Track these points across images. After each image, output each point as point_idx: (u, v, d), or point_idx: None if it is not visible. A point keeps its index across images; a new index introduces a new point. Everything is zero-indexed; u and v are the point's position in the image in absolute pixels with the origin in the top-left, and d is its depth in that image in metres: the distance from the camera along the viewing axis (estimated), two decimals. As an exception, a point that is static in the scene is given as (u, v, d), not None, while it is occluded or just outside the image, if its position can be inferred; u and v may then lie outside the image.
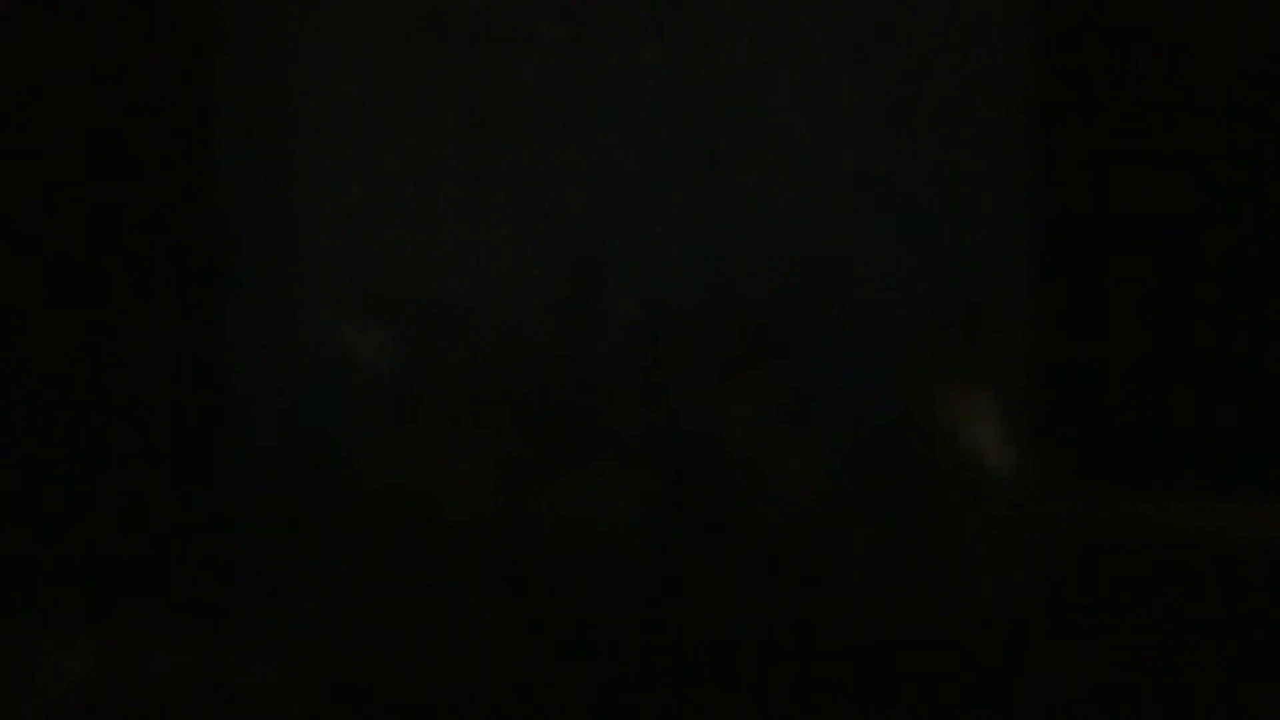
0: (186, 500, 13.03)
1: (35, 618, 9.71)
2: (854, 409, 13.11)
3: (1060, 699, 8.77)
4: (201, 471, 14.16)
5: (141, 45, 14.40)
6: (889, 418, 12.89)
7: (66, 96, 14.28)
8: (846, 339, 14.55)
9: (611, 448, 11.94)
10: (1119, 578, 10.57)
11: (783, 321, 14.17)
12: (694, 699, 8.72)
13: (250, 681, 8.92)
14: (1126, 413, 14.32)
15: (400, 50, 15.02)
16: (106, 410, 14.31)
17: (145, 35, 14.43)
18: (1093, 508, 12.26)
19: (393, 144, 15.10)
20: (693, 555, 11.25)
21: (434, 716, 8.75)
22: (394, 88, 15.02)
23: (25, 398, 14.03)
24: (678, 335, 13.22)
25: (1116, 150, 14.44)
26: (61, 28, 14.24)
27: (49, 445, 13.93)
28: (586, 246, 15.07)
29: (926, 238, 14.99)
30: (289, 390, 15.27)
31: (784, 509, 11.83)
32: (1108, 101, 14.42)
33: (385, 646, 9.40)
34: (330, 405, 14.99)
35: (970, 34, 14.86)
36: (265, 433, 15.12)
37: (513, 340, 13.02)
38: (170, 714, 8.49)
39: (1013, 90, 14.65)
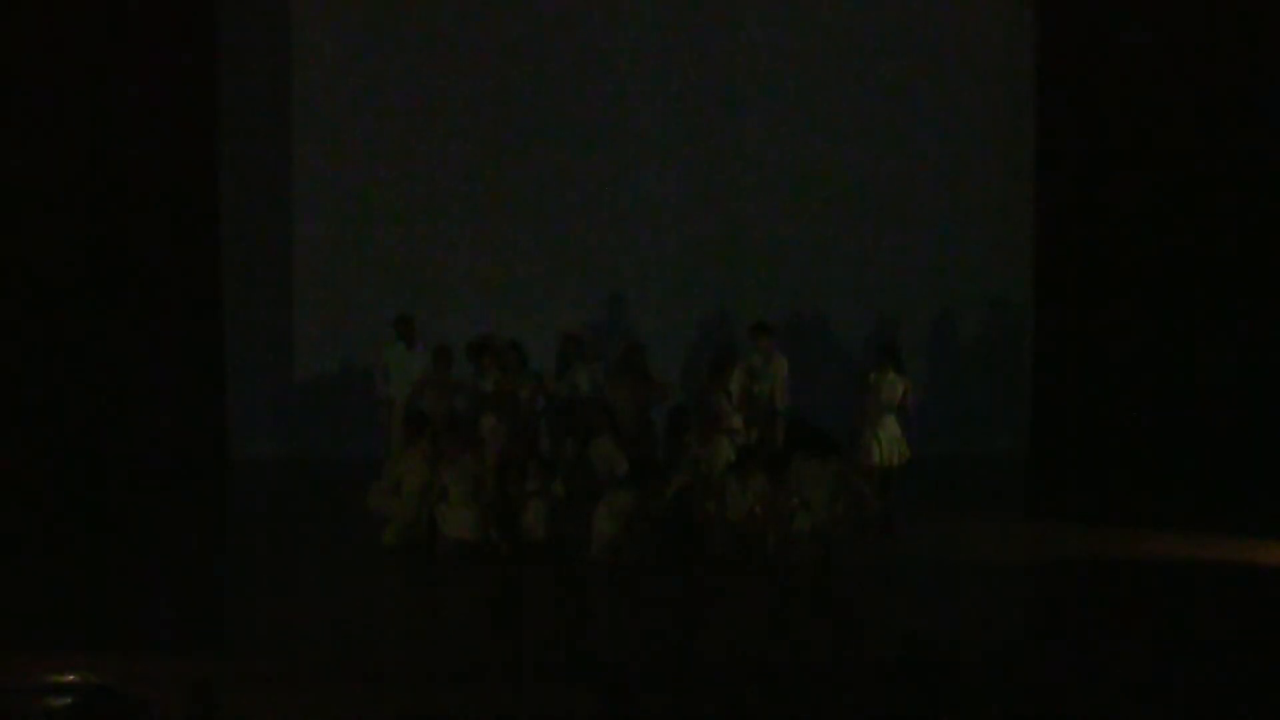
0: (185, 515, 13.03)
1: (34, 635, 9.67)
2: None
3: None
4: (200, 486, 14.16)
5: (145, 66, 14.42)
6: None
7: (69, 115, 14.30)
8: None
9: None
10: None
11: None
12: None
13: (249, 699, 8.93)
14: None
15: (401, 68, 15.05)
16: (109, 425, 14.29)
17: (148, 55, 14.44)
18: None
19: (393, 160, 15.15)
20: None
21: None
22: (396, 109, 15.09)
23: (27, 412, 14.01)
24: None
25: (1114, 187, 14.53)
26: (67, 55, 14.25)
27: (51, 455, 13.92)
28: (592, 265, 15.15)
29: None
30: (288, 407, 15.29)
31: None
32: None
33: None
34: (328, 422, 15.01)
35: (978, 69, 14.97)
36: (264, 448, 15.15)
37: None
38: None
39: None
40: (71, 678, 8.83)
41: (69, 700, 8.36)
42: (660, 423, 12.69)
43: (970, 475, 14.11)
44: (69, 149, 14.18)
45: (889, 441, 12.41)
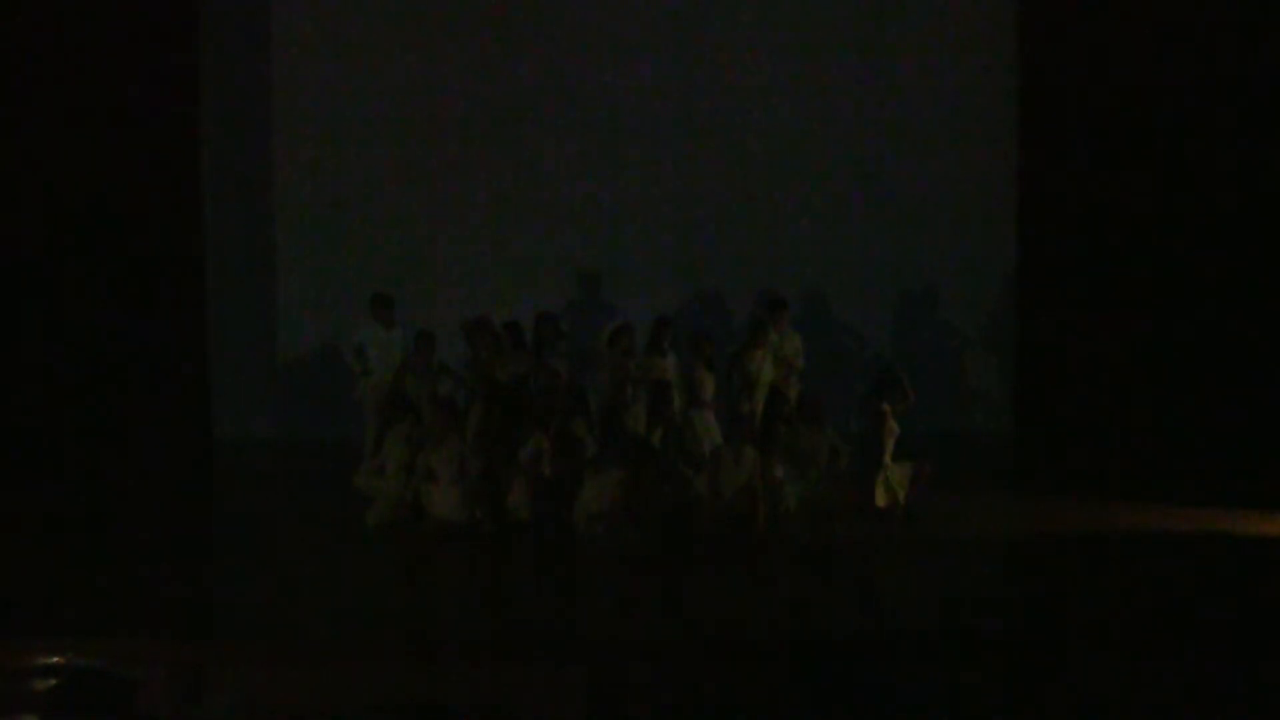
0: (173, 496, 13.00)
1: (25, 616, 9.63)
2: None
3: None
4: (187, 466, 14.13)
5: (124, 42, 14.33)
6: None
7: (60, 101, 14.20)
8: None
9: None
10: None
11: None
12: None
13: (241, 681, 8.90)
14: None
15: (388, 54, 14.99)
16: (99, 409, 14.23)
17: (127, 31, 14.34)
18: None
19: (379, 146, 15.10)
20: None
21: (424, 710, 8.73)
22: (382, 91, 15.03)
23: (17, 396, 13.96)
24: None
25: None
26: (54, 36, 14.15)
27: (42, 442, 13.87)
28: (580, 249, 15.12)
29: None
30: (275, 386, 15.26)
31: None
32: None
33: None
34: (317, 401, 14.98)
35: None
36: (249, 428, 15.12)
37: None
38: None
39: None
40: (58, 660, 8.80)
41: (56, 682, 8.32)
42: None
43: (953, 451, 14.12)
44: (50, 128, 14.11)
45: (896, 484, 12.05)
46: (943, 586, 10.52)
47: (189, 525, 12.24)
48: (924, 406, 13.23)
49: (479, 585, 10.81)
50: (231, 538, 12.18)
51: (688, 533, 11.40)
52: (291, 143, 15.02)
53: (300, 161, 15.02)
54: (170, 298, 14.57)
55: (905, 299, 15.14)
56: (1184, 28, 14.18)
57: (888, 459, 11.94)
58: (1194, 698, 8.88)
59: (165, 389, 14.45)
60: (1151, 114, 14.26)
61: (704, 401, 12.47)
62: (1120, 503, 12.38)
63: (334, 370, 14.29)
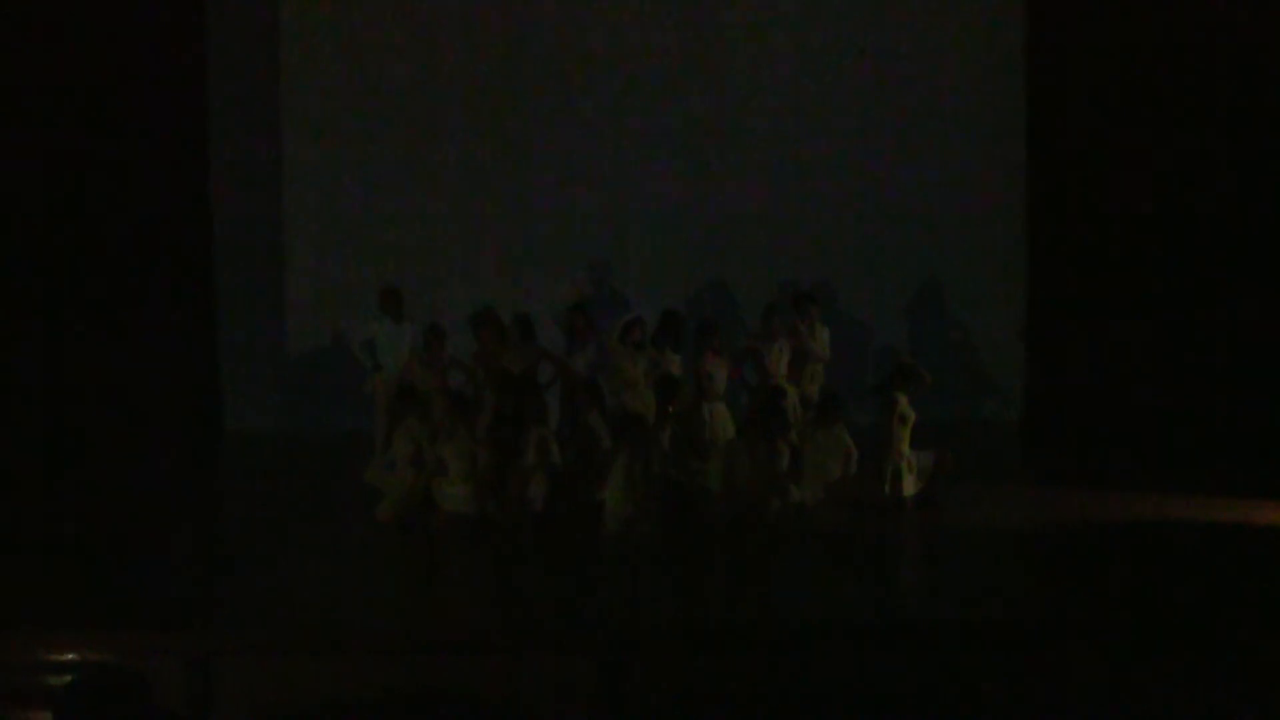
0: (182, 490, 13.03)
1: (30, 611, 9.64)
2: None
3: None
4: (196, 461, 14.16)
5: (131, 36, 14.34)
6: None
7: (65, 99, 14.20)
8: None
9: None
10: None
11: None
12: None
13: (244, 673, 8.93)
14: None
15: (395, 47, 15.00)
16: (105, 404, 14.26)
17: (135, 24, 14.35)
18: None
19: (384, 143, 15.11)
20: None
21: (433, 701, 8.74)
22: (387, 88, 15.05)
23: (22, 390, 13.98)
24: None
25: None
26: (61, 33, 14.14)
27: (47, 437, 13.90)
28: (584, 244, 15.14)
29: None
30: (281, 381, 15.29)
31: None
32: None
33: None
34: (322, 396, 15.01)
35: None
36: (258, 421, 15.16)
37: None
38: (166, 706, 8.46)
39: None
40: (70, 656, 8.81)
41: (69, 678, 8.33)
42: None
43: (963, 441, 14.12)
44: (60, 125, 14.13)
45: (918, 472, 12.07)
46: (953, 576, 10.53)
47: (198, 518, 12.25)
48: (934, 396, 13.28)
49: (488, 578, 10.82)
50: (241, 531, 12.20)
51: (698, 525, 11.42)
52: (299, 137, 15.05)
53: (308, 155, 15.04)
54: (180, 292, 14.62)
55: (916, 291, 15.15)
56: (1190, 27, 14.19)
57: (906, 447, 11.95)
58: (1205, 687, 8.90)
59: (175, 382, 14.49)
60: (1158, 106, 14.29)
61: (715, 393, 12.47)
62: (1129, 493, 12.37)
63: (343, 364, 14.31)
